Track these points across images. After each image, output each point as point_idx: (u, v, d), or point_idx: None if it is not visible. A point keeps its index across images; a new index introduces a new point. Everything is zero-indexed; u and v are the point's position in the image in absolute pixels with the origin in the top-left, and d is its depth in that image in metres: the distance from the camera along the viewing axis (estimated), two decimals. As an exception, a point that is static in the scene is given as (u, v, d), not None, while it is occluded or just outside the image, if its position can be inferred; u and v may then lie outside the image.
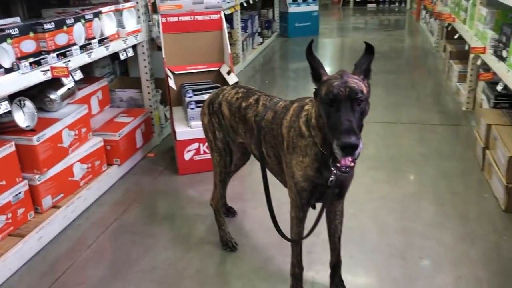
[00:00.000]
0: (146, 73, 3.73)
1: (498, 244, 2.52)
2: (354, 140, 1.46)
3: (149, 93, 3.78)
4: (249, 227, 2.75)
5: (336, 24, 10.49)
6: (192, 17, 3.60)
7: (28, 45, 2.50)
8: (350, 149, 1.48)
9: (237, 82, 3.31)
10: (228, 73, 3.52)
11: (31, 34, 2.52)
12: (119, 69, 4.33)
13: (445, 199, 2.98)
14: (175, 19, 3.57)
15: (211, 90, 3.42)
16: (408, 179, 3.28)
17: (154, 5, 3.85)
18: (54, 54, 2.63)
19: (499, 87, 3.30)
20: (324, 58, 7.29)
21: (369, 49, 1.68)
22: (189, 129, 3.33)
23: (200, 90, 3.46)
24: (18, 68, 2.40)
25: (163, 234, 2.72)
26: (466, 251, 2.46)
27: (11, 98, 2.44)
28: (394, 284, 2.24)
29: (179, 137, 3.30)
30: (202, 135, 3.12)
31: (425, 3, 8.22)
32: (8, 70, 2.33)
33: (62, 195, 2.86)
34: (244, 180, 3.30)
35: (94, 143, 3.14)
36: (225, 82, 3.46)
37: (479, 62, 4.01)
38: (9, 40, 2.34)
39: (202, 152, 3.36)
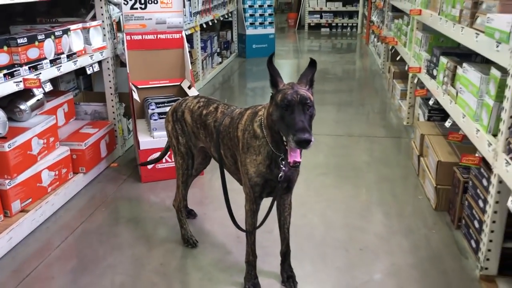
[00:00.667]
0: (110, 88, 3.95)
1: (427, 236, 2.88)
2: (308, 136, 1.78)
3: (113, 106, 3.99)
4: (208, 227, 3.00)
5: (292, 47, 10.98)
6: (155, 35, 3.87)
7: (2, 57, 2.69)
8: (305, 143, 1.78)
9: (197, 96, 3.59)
10: (189, 87, 3.79)
11: (5, 48, 2.72)
12: (83, 84, 4.51)
13: (384, 200, 3.34)
14: (139, 37, 3.82)
15: (172, 103, 3.67)
16: (353, 184, 3.62)
17: (118, 24, 4.10)
18: (26, 67, 2.83)
19: (430, 102, 3.72)
20: (282, 72, 7.67)
21: (312, 63, 2.00)
22: (152, 139, 3.57)
23: (163, 103, 3.71)
24: (-8, 79, 2.59)
25: (128, 234, 2.93)
26: (399, 243, 2.81)
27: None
28: (337, 271, 2.54)
29: (142, 147, 3.52)
30: (164, 145, 3.40)
31: (373, 28, 8.81)
32: (-17, 80, 2.52)
33: (30, 200, 3.02)
34: (204, 187, 3.55)
35: (61, 152, 3.31)
36: (186, 96, 3.73)
37: (416, 81, 4.46)
38: (-15, 53, 2.54)
39: (164, 161, 3.59)
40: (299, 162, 1.91)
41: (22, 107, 3.09)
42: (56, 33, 3.15)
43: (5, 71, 2.68)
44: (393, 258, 2.65)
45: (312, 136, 1.81)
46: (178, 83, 4.01)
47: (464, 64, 2.92)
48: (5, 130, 2.85)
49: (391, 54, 6.91)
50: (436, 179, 3.16)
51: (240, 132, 2.18)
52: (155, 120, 3.56)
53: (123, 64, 4.08)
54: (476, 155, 2.56)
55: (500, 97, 2.37)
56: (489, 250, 2.39)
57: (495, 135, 2.40)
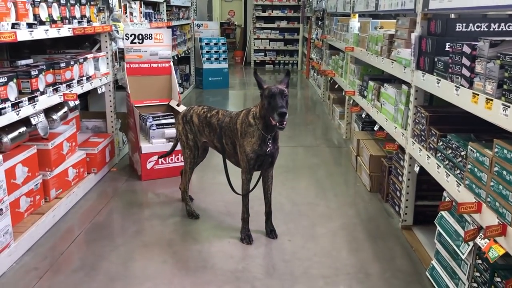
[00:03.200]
0: (111, 106, 4.83)
1: (365, 207, 3.98)
2: (284, 110, 2.84)
3: (112, 121, 4.86)
4: (203, 206, 3.92)
5: (240, 80, 12.15)
6: (149, 64, 4.82)
7: (49, 77, 3.56)
8: (284, 115, 2.83)
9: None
10: (178, 105, 4.75)
11: (50, 70, 3.59)
12: (80, 105, 5.33)
13: (332, 187, 4.43)
14: (136, 65, 4.77)
15: (167, 117, 4.63)
16: (308, 177, 4.69)
17: (116, 54, 5.02)
18: (64, 85, 3.71)
19: (363, 115, 4.92)
20: (234, 102, 8.79)
21: (287, 74, 3.09)
22: (151, 145, 4.47)
23: (158, 117, 4.65)
24: (46, 92, 3.45)
25: (142, 213, 3.80)
26: (346, 211, 3.88)
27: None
28: (303, 228, 3.55)
29: (143, 151, 4.42)
30: (161, 150, 4.32)
31: (313, 64, 10.20)
32: (41, 93, 3.38)
33: (61, 190, 3.82)
34: (193, 182, 4.48)
35: (80, 154, 4.14)
36: (172, 112, 4.70)
37: (351, 102, 5.69)
38: (42, 72, 3.41)
39: (160, 162, 4.49)
40: (284, 126, 2.91)
41: (54, 117, 3.92)
42: (80, 60, 4.04)
43: (51, 88, 3.54)
44: (342, 220, 3.72)
45: (287, 111, 2.87)
46: (166, 103, 4.96)
47: (385, 84, 4.12)
48: (47, 133, 3.67)
49: (329, 84, 8.22)
50: (369, 168, 4.30)
51: (239, 125, 3.19)
52: (154, 130, 4.48)
53: (118, 88, 4.99)
54: (394, 143, 3.71)
55: (408, 103, 3.57)
56: (406, 207, 3.52)
57: (405, 128, 3.58)
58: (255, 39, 14.30)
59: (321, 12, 9.00)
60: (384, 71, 4.76)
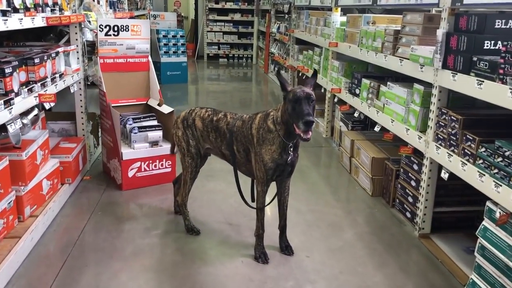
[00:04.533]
0: (81, 106, 4.27)
1: (372, 214, 3.75)
2: (311, 118, 2.50)
3: (82, 124, 4.31)
4: (201, 219, 3.52)
5: (196, 75, 11.65)
6: (125, 59, 4.31)
7: (22, 75, 3.01)
8: (310, 124, 2.50)
9: (172, 112, 4.13)
10: (159, 105, 4.29)
11: (23, 66, 3.04)
12: (40, 105, 4.70)
13: (331, 191, 4.18)
14: (111, 60, 4.24)
15: (149, 119, 4.17)
16: (303, 181, 4.40)
17: (84, 48, 4.45)
18: (39, 84, 3.16)
19: (356, 114, 4.70)
20: (196, 98, 8.35)
21: (315, 74, 2.75)
22: (133, 150, 3.99)
23: (139, 118, 4.16)
24: (20, 93, 2.90)
25: (135, 229, 3.33)
26: (355, 219, 3.63)
27: None
28: (317, 240, 3.26)
29: (124, 158, 3.93)
30: (144, 155, 3.87)
31: (275, 59, 9.92)
32: (16, 94, 2.83)
33: (35, 206, 3.27)
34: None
35: (53, 163, 3.59)
36: (151, 113, 4.25)
37: (335, 100, 5.47)
38: (16, 70, 2.85)
39: (143, 169, 4.03)
40: (309, 137, 2.57)
41: (25, 121, 3.35)
42: (52, 55, 3.48)
43: (25, 88, 2.99)
44: (354, 229, 3.46)
45: (314, 120, 2.54)
46: (144, 102, 4.48)
47: (389, 83, 3.91)
48: (20, 141, 3.11)
49: (298, 80, 7.98)
50: (372, 172, 4.08)
51: (255, 130, 2.83)
52: (136, 133, 4.00)
53: (89, 86, 4.44)
54: (408, 146, 3.50)
55: (424, 103, 3.36)
56: (424, 214, 3.32)
57: (421, 131, 3.37)
58: (208, 31, 13.81)
59: (287, 6, 8.72)
60: (369, 67, 4.58)
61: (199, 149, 3.16)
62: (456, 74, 2.82)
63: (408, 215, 3.57)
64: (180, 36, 9.60)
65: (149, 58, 4.46)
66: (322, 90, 6.04)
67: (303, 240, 3.26)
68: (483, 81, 2.55)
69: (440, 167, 3.16)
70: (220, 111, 3.13)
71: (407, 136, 3.51)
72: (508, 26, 2.68)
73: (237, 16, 13.76)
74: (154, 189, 4.07)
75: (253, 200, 3.09)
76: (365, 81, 4.44)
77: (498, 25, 2.68)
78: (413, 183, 3.52)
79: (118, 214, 3.59)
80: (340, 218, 3.63)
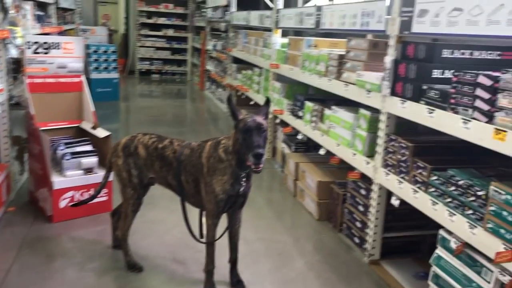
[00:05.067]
0: (5, 130, 3.87)
1: (321, 240, 3.69)
2: (262, 151, 2.37)
3: (6, 149, 3.91)
4: (142, 253, 3.26)
5: (126, 92, 11.20)
6: (56, 79, 3.98)
7: None
8: (260, 157, 2.37)
9: (109, 135, 3.84)
10: (94, 128, 3.98)
11: None
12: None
13: (277, 217, 4.07)
14: (40, 80, 3.89)
15: (82, 143, 3.85)
16: (247, 206, 4.22)
17: (8, 66, 4.06)
18: (-44, 108, 2.79)
19: (299, 137, 4.66)
20: (129, 116, 7.99)
21: (267, 102, 2.64)
22: (65, 178, 3.66)
23: (71, 143, 3.83)
24: None
25: (68, 268, 3.02)
26: (304, 246, 3.55)
27: None
28: (269, 272, 3.13)
29: (56, 186, 3.58)
30: (77, 184, 3.58)
31: (212, 76, 9.78)
32: None
33: (-50, 247, 2.87)
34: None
35: (-28, 195, 3.19)
36: (84, 137, 3.95)
37: (277, 121, 5.41)
38: None
39: (76, 199, 3.70)
40: (261, 169, 2.45)
41: None
42: (-28, 75, 3.12)
43: None
44: (305, 258, 3.36)
45: (265, 152, 2.42)
46: (77, 125, 4.15)
47: (333, 107, 3.89)
48: None
49: (237, 99, 7.88)
50: (318, 196, 4.03)
51: (205, 159, 2.66)
52: (68, 160, 3.67)
53: (12, 107, 4.05)
54: (355, 171, 3.48)
55: (371, 129, 3.36)
56: (374, 241, 3.29)
57: (369, 156, 3.37)
58: (140, 46, 13.42)
59: (224, 24, 8.64)
60: (309, 89, 4.54)
61: (142, 179, 2.93)
62: (405, 101, 2.84)
63: (357, 240, 3.54)
64: (112, 51, 9.21)
65: (83, 78, 4.15)
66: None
67: (254, 273, 3.11)
68: (434, 110, 2.57)
69: (389, 193, 3.16)
70: (166, 137, 2.93)
71: (354, 161, 3.49)
72: (453, 56, 2.73)
73: (171, 32, 13.50)
74: (90, 220, 3.75)
75: (201, 233, 2.91)
76: (309, 104, 4.41)
77: (445, 54, 2.72)
78: (361, 208, 3.49)
79: (49, 251, 3.24)
80: (290, 246, 3.53)
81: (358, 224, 3.52)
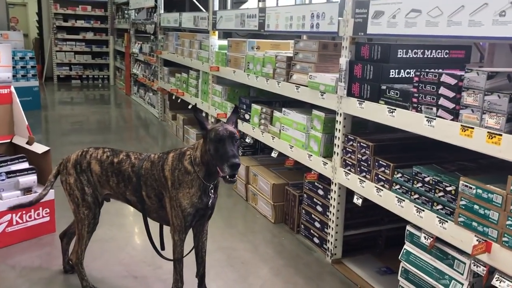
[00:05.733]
0: None
1: (281, 243, 3.66)
2: (237, 160, 2.28)
3: None
4: (98, 276, 3.03)
5: (46, 100, 10.50)
6: (-19, 91, 3.59)
7: None
8: (237, 167, 2.28)
9: (48, 150, 3.54)
10: (29, 143, 3.65)
11: None
12: None
13: (233, 223, 3.99)
14: (-38, 93, 3.49)
15: (16, 161, 3.50)
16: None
17: None
18: None
19: (248, 140, 4.59)
20: (55, 127, 7.49)
21: (235, 110, 2.55)
22: (0, 201, 3.31)
23: (5, 162, 3.47)
24: None
25: (17, 301, 2.73)
26: (267, 252, 3.49)
27: None
28: (236, 283, 3.04)
29: (-9, 211, 3.23)
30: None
31: (140, 80, 9.43)
32: None
33: None
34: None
35: None
36: (17, 154, 3.61)
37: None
38: None
39: (15, 223, 3.36)
40: (235, 178, 2.35)
41: None
42: None
43: None
44: (268, 264, 3.31)
45: (240, 161, 2.33)
46: (8, 140, 3.78)
47: (284, 109, 3.87)
48: None
49: (170, 103, 7.66)
50: (273, 198, 4.00)
51: (168, 172, 2.51)
52: (3, 180, 3.33)
53: None
54: (312, 173, 3.48)
55: (326, 129, 3.38)
56: (336, 240, 3.32)
57: (325, 157, 3.39)
58: (57, 51, 12.66)
59: (151, 26, 8.35)
60: (251, 91, 4.47)
61: (97, 197, 2.71)
62: (363, 102, 2.87)
63: (316, 240, 3.55)
64: (30, 57, 8.59)
65: (12, 89, 3.79)
66: (204, 114, 5.84)
67: (221, 285, 3.00)
68: (395, 109, 2.62)
69: (348, 192, 3.20)
70: (121, 151, 2.74)
71: (310, 162, 3.50)
72: (408, 56, 2.81)
73: (90, 35, 12.89)
74: (31, 243, 3.43)
75: (162, 249, 2.75)
76: (256, 107, 4.37)
77: (400, 54, 2.79)
78: (319, 208, 3.51)
79: (-10, 284, 2.92)
80: (251, 253, 3.46)
81: (317, 224, 3.53)
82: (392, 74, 2.78)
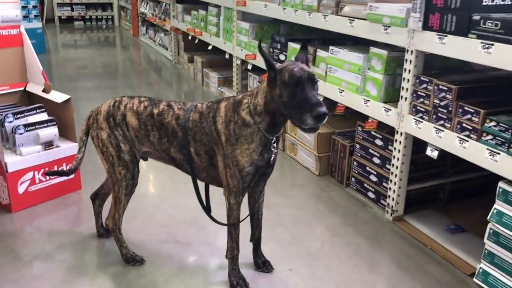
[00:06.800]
0: None
1: (331, 198, 3.30)
2: (325, 109, 1.86)
3: None
4: (137, 242, 2.69)
5: (48, 43, 9.91)
6: (-14, 32, 3.12)
7: None
8: (324, 117, 1.86)
9: (69, 99, 3.12)
10: (46, 91, 3.22)
11: None
12: None
13: (275, 177, 3.62)
14: (-34, 34, 3.02)
15: (34, 112, 3.09)
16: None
17: None
18: None
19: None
20: (54, 71, 7.01)
21: (304, 46, 2.09)
22: (21, 157, 2.93)
23: (22, 113, 3.06)
24: None
25: (51, 270, 2.41)
26: (317, 208, 3.15)
27: None
28: (291, 246, 2.70)
29: (10, 169, 2.86)
30: (37, 162, 2.90)
31: (150, 19, 8.81)
32: None
33: None
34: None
35: None
36: (35, 102, 3.18)
37: (250, 67, 4.83)
38: None
39: (37, 181, 3.00)
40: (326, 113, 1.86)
41: None
42: None
43: None
44: (323, 221, 2.97)
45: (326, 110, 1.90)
46: (21, 88, 3.35)
47: (332, 47, 3.39)
48: None
49: (184, 45, 7.12)
50: (318, 149, 3.60)
51: (222, 125, 2.10)
52: (21, 134, 2.93)
53: None
54: (371, 120, 3.06)
55: (388, 70, 2.93)
56: (398, 195, 2.95)
57: (385, 102, 2.96)
58: (57, -10, 11.89)
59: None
60: (281, 29, 3.91)
61: (135, 155, 2.32)
62: (445, 36, 2.40)
63: (371, 195, 3.20)
64: (31, -4, 7.94)
65: (22, 29, 3.30)
66: (227, 56, 5.35)
67: (276, 249, 2.67)
68: (492, 44, 2.16)
69: (416, 142, 2.80)
70: (160, 100, 2.31)
71: (367, 109, 3.07)
72: (504, -22, 2.31)
73: (91, -28, 12.06)
74: (57, 203, 3.09)
75: (209, 211, 2.38)
76: (294, 45, 3.87)
77: (496, -24, 2.29)
78: (376, 160, 3.13)
79: (15, 250, 2.59)
80: (301, 210, 3.12)
81: (373, 178, 3.16)
82: (485, 2, 2.29)
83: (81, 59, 8.34)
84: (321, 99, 1.92)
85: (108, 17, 12.51)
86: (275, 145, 2.12)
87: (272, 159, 2.13)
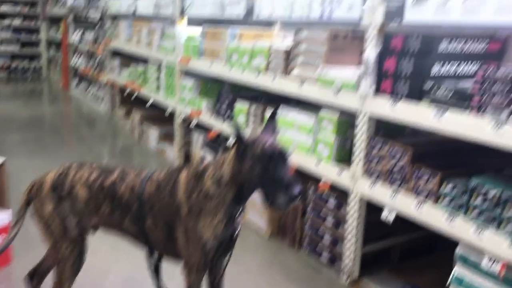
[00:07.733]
0: None
1: (286, 264, 3.19)
2: (299, 189, 1.78)
3: None
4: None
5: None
6: None
7: None
8: (298, 198, 1.79)
9: (2, 163, 2.83)
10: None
11: None
12: None
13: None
14: None
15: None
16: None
17: None
18: None
19: (230, 141, 4.07)
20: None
21: (273, 116, 2.04)
22: None
23: None
24: None
25: None
26: (272, 275, 3.02)
27: None
28: None
29: None
30: None
31: (84, 72, 8.52)
32: None
33: None
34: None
35: None
36: None
37: (190, 124, 4.72)
38: None
39: (-40, 257, 2.64)
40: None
41: None
42: None
43: None
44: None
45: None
46: None
47: (282, 108, 3.39)
48: None
49: (121, 98, 6.92)
50: (268, 209, 3.52)
51: (183, 196, 1.96)
52: None
53: None
54: (323, 182, 3.05)
55: (340, 132, 2.96)
56: (354, 258, 2.91)
57: (338, 161, 2.96)
58: (-21, 40, 11.27)
59: (95, 12, 7.50)
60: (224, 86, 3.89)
61: (84, 228, 2.10)
62: (398, 102, 2.47)
63: (324, 259, 3.13)
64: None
65: None
66: (167, 113, 5.23)
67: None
68: (445, 112, 2.24)
69: (369, 205, 2.81)
70: (113, 168, 2.14)
71: (318, 169, 3.06)
72: (449, 48, 2.43)
73: (17, 22, 11.59)
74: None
75: (160, 285, 2.19)
76: (242, 104, 3.85)
77: (443, 46, 2.41)
78: (328, 223, 3.09)
79: None
80: (255, 276, 2.98)
81: (327, 240, 3.11)
82: (435, 70, 2.40)
83: (3, 112, 7.76)
84: (294, 178, 1.84)
85: (36, 68, 11.98)
86: (240, 217, 2.01)
87: (237, 230, 2.02)
